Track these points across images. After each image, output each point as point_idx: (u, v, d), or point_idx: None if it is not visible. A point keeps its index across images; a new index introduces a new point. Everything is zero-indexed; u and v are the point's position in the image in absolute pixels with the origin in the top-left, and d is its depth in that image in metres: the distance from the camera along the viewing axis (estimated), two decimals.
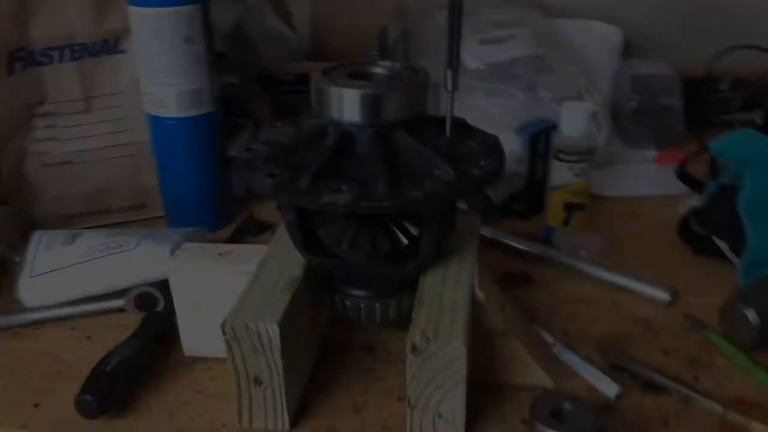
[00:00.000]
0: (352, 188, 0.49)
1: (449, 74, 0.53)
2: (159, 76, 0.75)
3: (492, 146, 0.57)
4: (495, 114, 0.96)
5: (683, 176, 0.84)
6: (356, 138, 0.54)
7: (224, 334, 0.53)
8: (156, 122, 0.79)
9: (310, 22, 1.20)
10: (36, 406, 0.60)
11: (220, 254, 0.62)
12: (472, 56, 1.00)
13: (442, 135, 0.56)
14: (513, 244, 0.78)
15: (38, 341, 0.68)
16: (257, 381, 0.55)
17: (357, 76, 0.55)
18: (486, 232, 0.80)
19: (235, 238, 0.82)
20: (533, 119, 0.93)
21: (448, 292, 0.55)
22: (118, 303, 0.70)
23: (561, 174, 0.78)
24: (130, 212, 0.88)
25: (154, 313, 0.67)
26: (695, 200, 0.83)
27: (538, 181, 0.85)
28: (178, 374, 0.63)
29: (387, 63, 0.57)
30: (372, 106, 0.52)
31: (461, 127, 0.61)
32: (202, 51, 0.76)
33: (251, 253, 0.62)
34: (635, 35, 1.18)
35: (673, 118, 0.98)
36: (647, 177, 0.94)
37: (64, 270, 0.69)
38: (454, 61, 0.53)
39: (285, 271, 0.58)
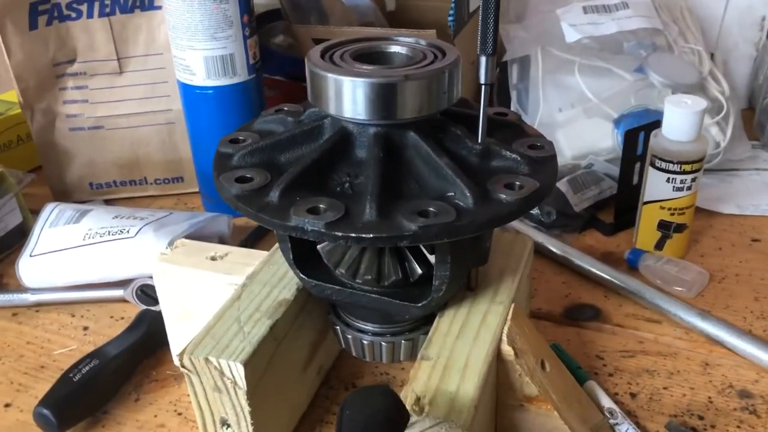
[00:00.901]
0: (332, 208, 0.37)
1: (483, 61, 0.39)
2: (185, 39, 0.66)
3: (541, 159, 0.43)
4: (593, 98, 0.79)
5: None
6: (355, 138, 0.42)
7: (182, 366, 0.43)
8: (185, 90, 0.70)
9: None
10: (6, 406, 0.54)
11: (213, 258, 0.53)
12: (571, 27, 0.83)
13: (475, 139, 0.42)
14: (586, 266, 0.64)
15: (35, 326, 0.63)
16: (224, 423, 0.45)
17: (367, 57, 0.43)
18: (556, 247, 0.66)
19: (262, 230, 0.72)
20: (639, 109, 0.76)
21: (465, 343, 0.43)
22: (119, 293, 0.63)
23: (656, 185, 0.62)
24: (167, 185, 0.81)
25: (148, 312, 0.59)
26: None
27: (632, 188, 0.69)
28: (162, 389, 0.55)
29: (410, 40, 0.44)
30: (376, 99, 0.39)
31: (509, 127, 0.47)
32: (234, 11, 0.65)
33: (249, 260, 0.52)
34: None
35: None
36: None
37: (62, 252, 0.63)
38: (489, 45, 0.39)
39: (274, 291, 0.48)
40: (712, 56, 0.90)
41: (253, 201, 0.39)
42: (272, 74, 1.04)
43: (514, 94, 0.84)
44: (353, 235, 0.36)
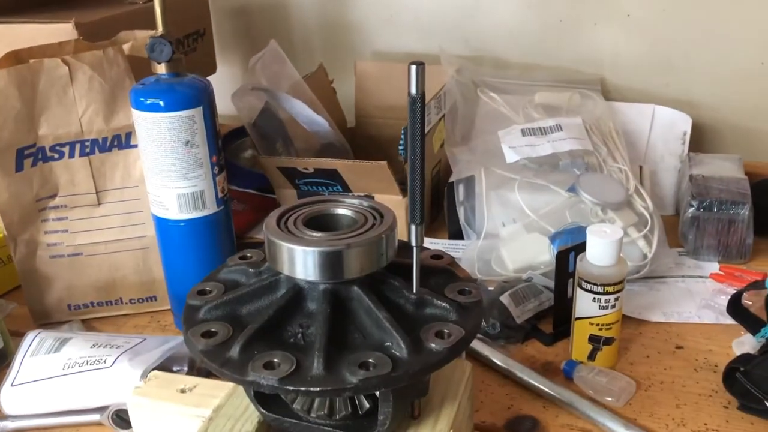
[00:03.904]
0: (285, 362, 0.44)
1: (413, 229, 0.47)
2: (159, 178, 0.73)
3: (468, 305, 0.49)
4: (532, 215, 0.87)
5: (736, 311, 0.72)
6: (306, 293, 0.48)
7: None
8: (159, 222, 0.76)
9: (355, 97, 1.17)
10: None
11: (182, 390, 0.58)
12: (511, 149, 0.93)
13: (411, 290, 0.49)
14: (525, 378, 0.70)
15: None
16: None
17: (316, 222, 0.50)
18: (500, 360, 0.72)
19: None
20: (572, 226, 0.85)
21: None
22: (96, 417, 0.67)
23: (584, 304, 0.69)
24: (141, 304, 0.86)
25: None
26: (752, 341, 0.71)
27: (567, 300, 0.76)
28: None
29: (354, 202, 0.52)
30: (324, 264, 0.46)
31: (442, 272, 0.54)
32: (204, 154, 0.73)
33: (215, 392, 0.57)
34: (706, 124, 1.06)
35: (738, 229, 0.86)
36: (700, 299, 0.82)
37: (43, 382, 0.67)
38: (417, 216, 0.46)
39: (238, 424, 0.53)
40: (641, 169, 0.99)
41: (216, 356, 0.45)
42: (242, 188, 1.12)
43: (461, 211, 0.92)
44: (302, 388, 0.42)
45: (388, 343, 0.45)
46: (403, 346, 0.45)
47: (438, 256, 0.56)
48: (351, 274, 0.47)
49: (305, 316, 0.48)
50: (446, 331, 0.46)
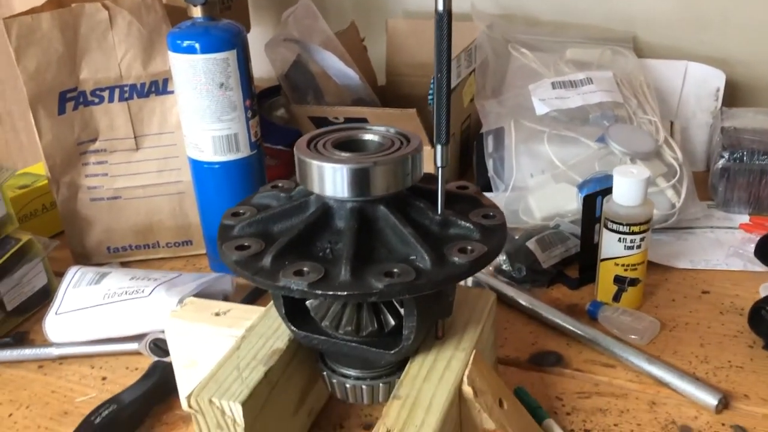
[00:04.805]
0: (314, 271, 0.46)
1: (438, 149, 0.48)
2: (195, 120, 0.75)
3: (492, 227, 0.51)
4: (561, 165, 0.88)
5: (764, 253, 0.72)
6: (335, 212, 0.50)
7: (189, 406, 0.51)
8: (195, 165, 0.79)
9: (386, 55, 1.17)
10: None
11: (217, 314, 0.60)
12: (541, 101, 0.93)
13: (436, 211, 0.51)
14: (550, 317, 0.71)
15: (59, 377, 0.70)
16: None
17: (345, 145, 0.52)
18: (525, 300, 0.74)
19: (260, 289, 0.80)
20: (600, 175, 0.85)
21: (431, 384, 0.50)
22: (134, 346, 0.71)
23: (610, 244, 0.70)
24: (177, 248, 0.89)
25: (159, 363, 0.67)
26: None
27: (593, 246, 0.77)
28: (172, 431, 0.62)
29: (381, 129, 0.53)
30: (352, 181, 0.48)
31: (467, 199, 0.55)
32: (238, 97, 0.75)
33: (248, 314, 0.60)
34: (740, 81, 1.05)
35: None
36: (729, 247, 0.82)
37: (85, 310, 0.70)
38: (443, 136, 0.47)
39: (269, 341, 0.55)
40: (672, 124, 0.99)
41: (249, 266, 0.47)
42: (274, 144, 1.14)
43: (490, 163, 0.93)
44: (330, 293, 0.44)
45: (412, 257, 0.47)
46: (427, 258, 0.46)
47: (464, 186, 0.58)
48: (377, 192, 0.49)
49: (334, 233, 0.50)
50: (469, 247, 0.48)
